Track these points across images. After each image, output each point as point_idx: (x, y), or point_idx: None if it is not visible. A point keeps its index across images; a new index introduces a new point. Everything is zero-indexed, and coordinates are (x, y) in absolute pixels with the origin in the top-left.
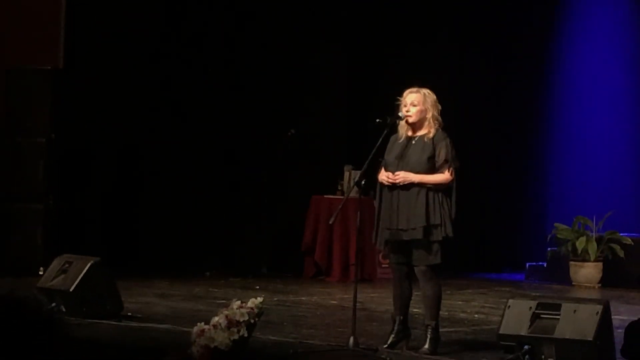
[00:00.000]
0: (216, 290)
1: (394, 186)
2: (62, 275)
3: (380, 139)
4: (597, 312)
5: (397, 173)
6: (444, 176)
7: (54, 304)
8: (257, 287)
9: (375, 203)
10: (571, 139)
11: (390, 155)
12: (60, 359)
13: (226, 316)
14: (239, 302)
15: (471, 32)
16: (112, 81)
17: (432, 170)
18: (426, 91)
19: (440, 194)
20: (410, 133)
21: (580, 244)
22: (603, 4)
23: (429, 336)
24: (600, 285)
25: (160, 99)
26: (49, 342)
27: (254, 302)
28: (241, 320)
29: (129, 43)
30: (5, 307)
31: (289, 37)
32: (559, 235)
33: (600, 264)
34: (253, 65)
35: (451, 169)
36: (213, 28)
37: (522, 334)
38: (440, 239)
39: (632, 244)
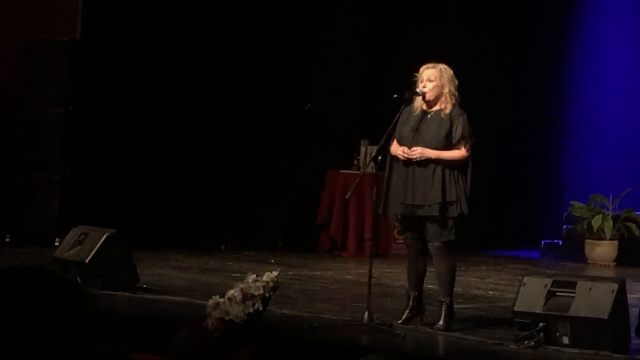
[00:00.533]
0: (231, 263)
1: (409, 161)
2: (78, 247)
3: (398, 115)
4: (613, 291)
5: (413, 148)
6: (460, 152)
7: (69, 275)
8: (272, 261)
9: (385, 174)
10: (589, 116)
11: (404, 128)
12: (92, 333)
13: (241, 289)
14: (254, 276)
15: (489, 6)
16: (130, 52)
17: (449, 146)
18: (443, 66)
19: (456, 171)
20: (425, 107)
21: (596, 222)
22: None
23: (443, 312)
24: (615, 263)
25: (178, 70)
26: (82, 317)
27: (270, 276)
28: (256, 293)
29: (147, 13)
30: (37, 281)
31: (306, 11)
32: (575, 213)
33: (615, 243)
34: (270, 38)
35: (467, 145)
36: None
37: (537, 311)
38: (455, 215)
39: None
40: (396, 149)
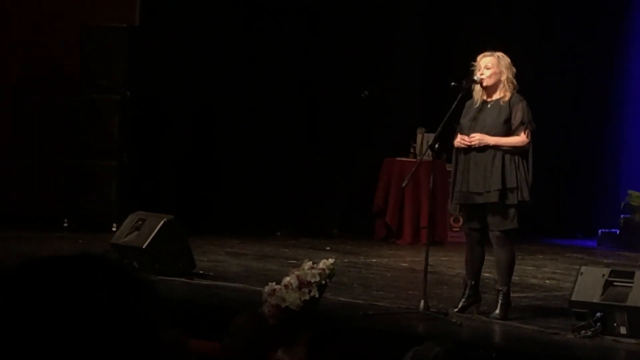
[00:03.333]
0: (287, 250)
1: (468, 149)
2: (136, 232)
3: (455, 103)
4: None
5: (472, 135)
6: (520, 138)
7: (126, 261)
8: (328, 248)
9: (452, 169)
10: None
11: (465, 119)
12: (158, 322)
13: (297, 276)
14: (310, 263)
15: None
16: (188, 39)
17: (508, 133)
18: (500, 54)
19: (516, 157)
20: (485, 97)
21: None
22: None
23: (500, 301)
24: None
25: (237, 57)
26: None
27: (326, 263)
28: (312, 281)
29: (206, 1)
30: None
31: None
32: (632, 203)
33: None
34: (329, 25)
35: (527, 131)
36: None
37: (595, 301)
38: (516, 202)
39: None
40: (457, 140)
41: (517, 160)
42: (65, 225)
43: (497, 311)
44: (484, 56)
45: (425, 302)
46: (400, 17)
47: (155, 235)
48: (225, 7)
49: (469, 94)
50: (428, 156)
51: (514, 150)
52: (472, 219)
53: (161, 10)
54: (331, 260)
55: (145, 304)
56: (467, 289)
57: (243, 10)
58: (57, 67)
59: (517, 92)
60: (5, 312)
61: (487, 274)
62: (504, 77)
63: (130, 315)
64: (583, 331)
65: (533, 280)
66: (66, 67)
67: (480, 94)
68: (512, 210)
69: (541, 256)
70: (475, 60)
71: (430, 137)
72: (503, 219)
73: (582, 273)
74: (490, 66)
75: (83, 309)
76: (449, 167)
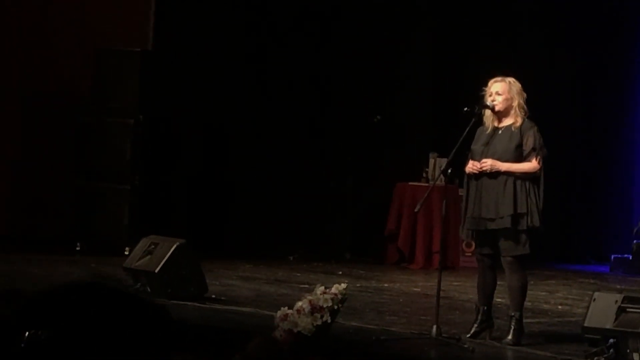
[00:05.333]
0: (299, 274)
1: (480, 175)
2: (148, 256)
3: (468, 128)
4: None
5: (484, 160)
6: (531, 164)
7: (138, 285)
8: (340, 273)
9: (463, 195)
10: None
11: (477, 145)
12: (166, 345)
13: (310, 301)
14: (322, 288)
15: (560, 20)
16: (200, 63)
17: (520, 158)
18: (511, 80)
19: (527, 183)
20: (496, 123)
21: None
22: None
23: (512, 327)
24: None
25: (248, 81)
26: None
27: (338, 288)
28: (325, 306)
29: (217, 25)
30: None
31: (376, 24)
32: None
33: None
34: (341, 50)
35: (539, 157)
36: (301, 12)
37: (608, 327)
38: (526, 228)
39: None
40: (468, 166)
41: (528, 186)
42: (78, 249)
43: (510, 337)
44: (495, 81)
45: (438, 327)
46: (411, 42)
47: (167, 260)
48: (238, 32)
49: (480, 120)
50: (440, 181)
51: (525, 176)
52: (484, 244)
53: (174, 35)
54: (343, 285)
55: (157, 329)
56: (480, 315)
57: (254, 34)
58: (69, 89)
59: (528, 117)
60: (22, 341)
61: (500, 300)
62: (515, 103)
63: (143, 340)
64: (596, 357)
65: (545, 306)
66: (79, 89)
67: (491, 119)
68: (523, 236)
69: (553, 281)
70: (486, 85)
71: (443, 161)
72: (515, 244)
73: (594, 299)
74: (501, 92)
75: (96, 336)
76: (462, 192)
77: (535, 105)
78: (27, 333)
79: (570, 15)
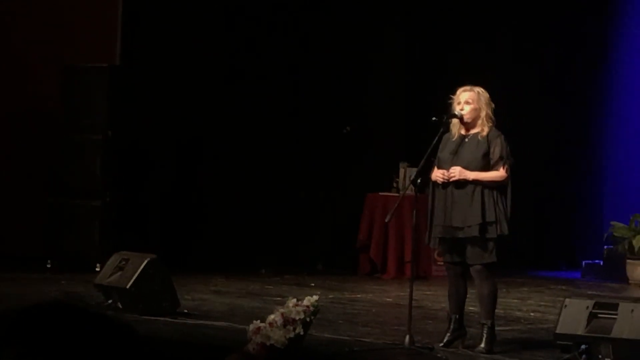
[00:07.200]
0: (271, 287)
1: (447, 183)
2: (119, 272)
3: (436, 138)
4: None
5: (452, 169)
6: (499, 173)
7: (110, 301)
8: (312, 284)
9: (428, 203)
10: (629, 135)
11: (443, 152)
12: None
13: (282, 314)
14: (294, 300)
15: (529, 28)
16: (169, 78)
17: (487, 167)
18: (480, 89)
19: (495, 192)
20: (463, 131)
21: (637, 242)
22: None
23: (484, 335)
24: None
25: (217, 94)
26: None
27: (310, 300)
28: (297, 318)
29: (186, 39)
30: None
31: (347, 32)
32: (615, 234)
33: None
34: (310, 61)
35: (506, 166)
36: (270, 22)
37: (579, 333)
38: (495, 236)
39: None
40: (435, 174)
41: (495, 195)
42: (49, 266)
43: (483, 345)
44: (464, 90)
45: (411, 337)
46: (382, 52)
47: (138, 275)
48: (207, 47)
49: (448, 128)
50: (411, 191)
51: (493, 184)
52: (452, 252)
53: (142, 50)
54: (315, 297)
55: (122, 348)
56: (452, 323)
57: (224, 49)
58: (38, 106)
59: (494, 126)
60: None
61: (472, 308)
62: (483, 114)
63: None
64: None
65: (518, 313)
66: (47, 106)
67: (458, 127)
68: (491, 244)
69: (525, 289)
70: (454, 94)
71: (413, 171)
72: (482, 252)
73: (566, 305)
74: (470, 101)
75: (59, 357)
76: (429, 203)
77: (505, 113)
78: None
79: (541, 22)
